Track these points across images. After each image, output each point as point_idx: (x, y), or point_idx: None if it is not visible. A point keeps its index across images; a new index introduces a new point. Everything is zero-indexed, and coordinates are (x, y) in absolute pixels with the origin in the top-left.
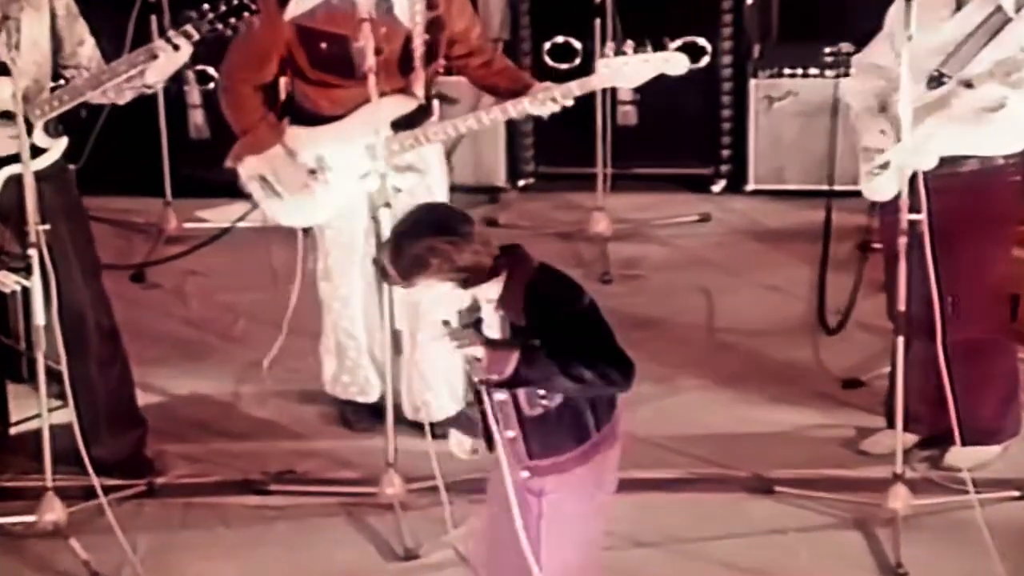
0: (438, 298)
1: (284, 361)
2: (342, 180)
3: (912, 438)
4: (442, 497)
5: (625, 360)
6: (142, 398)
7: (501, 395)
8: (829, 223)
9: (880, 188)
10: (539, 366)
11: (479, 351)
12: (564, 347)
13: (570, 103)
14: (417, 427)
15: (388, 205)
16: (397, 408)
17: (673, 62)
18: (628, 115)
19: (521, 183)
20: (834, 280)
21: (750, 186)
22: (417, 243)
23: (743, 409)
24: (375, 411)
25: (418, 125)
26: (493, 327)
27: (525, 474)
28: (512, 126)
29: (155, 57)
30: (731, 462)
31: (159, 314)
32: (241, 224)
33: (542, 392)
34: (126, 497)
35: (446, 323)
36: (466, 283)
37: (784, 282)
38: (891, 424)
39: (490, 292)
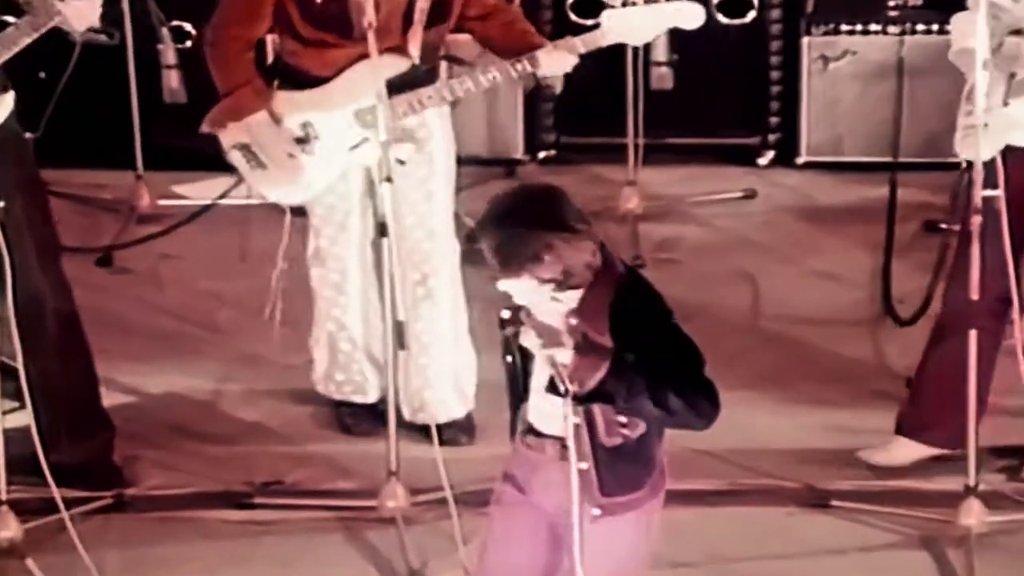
0: (520, 297)
1: (273, 356)
2: (331, 150)
3: (927, 450)
4: (450, 510)
5: (714, 390)
6: (110, 398)
7: (576, 419)
8: (894, 200)
9: (969, 147)
10: (628, 383)
11: (567, 354)
12: (651, 367)
13: (573, 61)
14: (422, 431)
15: (390, 180)
16: (399, 410)
17: (686, 12)
18: (663, 78)
19: (541, 155)
20: (895, 265)
21: (802, 158)
22: (532, 235)
23: (793, 411)
24: (375, 413)
25: (418, 88)
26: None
27: (596, 512)
28: (530, 90)
29: (59, 13)
30: (781, 472)
31: (129, 302)
32: (224, 201)
33: (623, 420)
34: (91, 511)
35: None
36: (560, 286)
37: (839, 267)
38: (899, 430)
39: (568, 297)
